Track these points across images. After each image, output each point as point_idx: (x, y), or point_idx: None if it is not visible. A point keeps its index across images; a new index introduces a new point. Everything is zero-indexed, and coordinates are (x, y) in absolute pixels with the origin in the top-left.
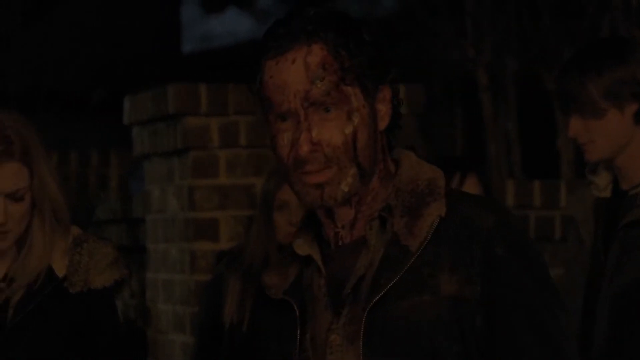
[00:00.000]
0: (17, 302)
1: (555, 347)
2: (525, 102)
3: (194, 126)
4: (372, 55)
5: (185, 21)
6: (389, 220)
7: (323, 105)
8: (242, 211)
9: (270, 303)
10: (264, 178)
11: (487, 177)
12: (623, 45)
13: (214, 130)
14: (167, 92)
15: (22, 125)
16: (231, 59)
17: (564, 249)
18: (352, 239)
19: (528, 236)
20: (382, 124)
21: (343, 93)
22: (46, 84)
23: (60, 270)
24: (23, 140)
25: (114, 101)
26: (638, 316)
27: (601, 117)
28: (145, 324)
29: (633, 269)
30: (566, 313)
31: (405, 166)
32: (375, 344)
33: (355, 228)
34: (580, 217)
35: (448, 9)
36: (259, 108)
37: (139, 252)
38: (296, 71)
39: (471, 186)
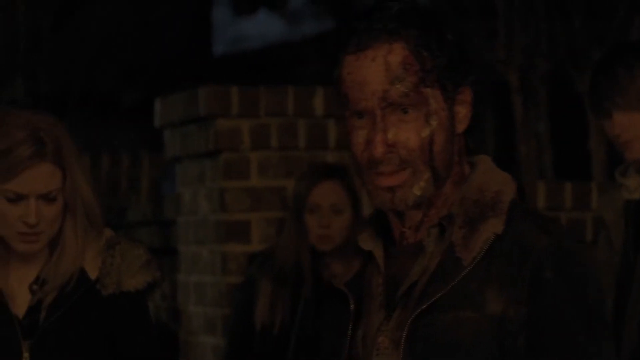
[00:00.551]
0: (50, 304)
1: None
2: (556, 103)
3: (225, 128)
4: (453, 56)
5: (216, 23)
6: (448, 229)
7: (401, 106)
8: (273, 213)
9: (332, 290)
10: (295, 180)
11: (519, 179)
12: None
13: (245, 132)
14: (199, 95)
15: (54, 126)
16: (262, 60)
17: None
18: (416, 240)
19: (586, 262)
20: (461, 127)
21: (422, 95)
22: (77, 86)
23: (92, 273)
24: (55, 142)
25: (145, 103)
26: None
27: None
28: (177, 326)
29: None
30: (613, 348)
31: (478, 172)
32: (416, 353)
33: (420, 230)
34: (611, 219)
35: (478, 10)
36: (337, 99)
37: (170, 255)
38: (376, 70)
39: None
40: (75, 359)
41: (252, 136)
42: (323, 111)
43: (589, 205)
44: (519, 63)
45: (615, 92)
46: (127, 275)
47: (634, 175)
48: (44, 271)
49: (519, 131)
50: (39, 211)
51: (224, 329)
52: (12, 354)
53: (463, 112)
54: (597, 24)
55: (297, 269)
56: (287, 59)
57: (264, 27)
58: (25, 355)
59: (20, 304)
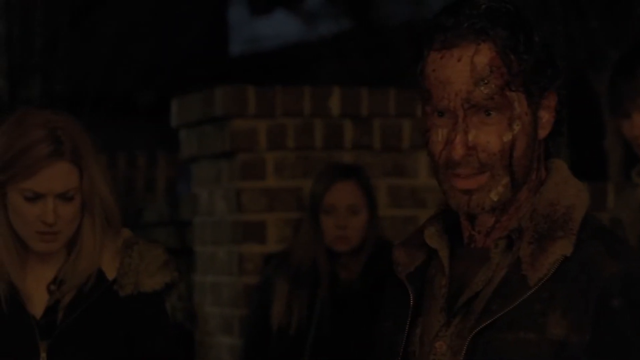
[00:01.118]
0: (67, 304)
1: None
2: (572, 103)
3: (241, 128)
4: (541, 59)
5: (232, 23)
6: (516, 242)
7: (484, 108)
8: (289, 214)
9: (396, 279)
10: (311, 180)
11: None
12: None
13: (262, 132)
14: (215, 95)
15: (72, 125)
16: (278, 60)
17: None
18: (484, 245)
19: None
20: (543, 133)
21: (507, 98)
22: (94, 86)
23: (110, 273)
24: (73, 141)
25: (161, 103)
26: None
27: None
28: (193, 326)
29: None
30: None
31: (550, 183)
32: None
33: (490, 236)
34: (627, 219)
35: None
36: (417, 95)
37: (187, 255)
38: (461, 70)
39: None
40: (93, 359)
41: (268, 136)
42: (339, 111)
43: (605, 205)
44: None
45: (635, 93)
46: (145, 276)
47: None
48: (62, 271)
49: None
50: (57, 210)
51: (240, 329)
52: (29, 355)
53: (546, 118)
54: (614, 24)
55: (314, 270)
56: (304, 58)
57: (280, 27)
58: (43, 355)
59: (38, 304)
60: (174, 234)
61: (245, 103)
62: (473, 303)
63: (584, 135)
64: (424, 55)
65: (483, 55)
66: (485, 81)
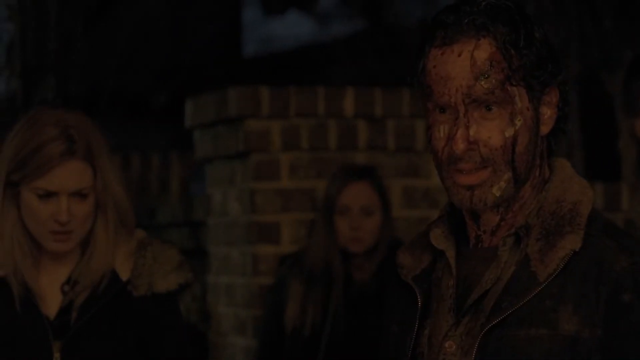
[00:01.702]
0: (81, 304)
1: None
2: (586, 104)
3: (255, 129)
4: (541, 55)
5: (246, 24)
6: (523, 239)
7: (485, 103)
8: (303, 214)
9: (401, 282)
10: (325, 181)
11: None
12: None
13: (276, 133)
14: (229, 95)
15: (85, 123)
16: (292, 61)
17: None
18: (491, 244)
19: None
20: (545, 129)
21: (507, 93)
22: (108, 87)
23: (124, 274)
24: (86, 139)
25: (175, 104)
26: None
27: None
28: (207, 327)
29: None
30: None
31: (555, 181)
32: None
33: (496, 235)
34: None
35: None
36: (417, 93)
37: (200, 256)
38: (461, 65)
39: None
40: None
41: (282, 137)
42: (353, 112)
43: (619, 206)
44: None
45: None
46: (159, 277)
47: None
48: (75, 272)
49: None
50: (70, 209)
51: (254, 330)
52: (43, 355)
53: (548, 114)
54: (628, 26)
55: (328, 271)
56: (317, 59)
57: (294, 27)
58: (56, 355)
59: (51, 304)
60: (188, 235)
61: (259, 104)
62: (482, 302)
63: (597, 136)
64: (425, 52)
65: (483, 50)
66: (486, 75)
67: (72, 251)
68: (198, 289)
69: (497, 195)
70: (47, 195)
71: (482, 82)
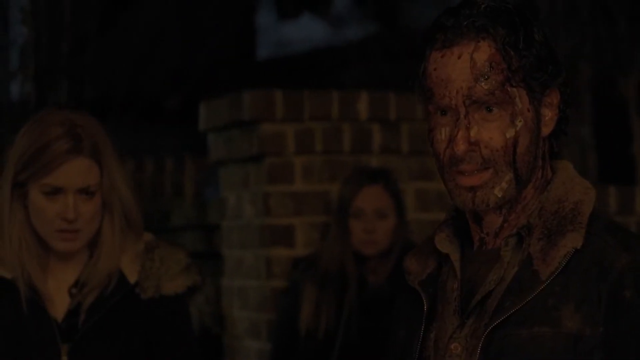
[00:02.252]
0: (89, 307)
1: None
2: (600, 107)
3: (269, 132)
4: (541, 56)
5: (260, 27)
6: (526, 239)
7: (486, 104)
8: (317, 217)
9: (407, 288)
10: (339, 184)
11: None
12: None
13: (290, 136)
14: (243, 99)
15: (92, 123)
16: (306, 64)
17: None
18: (494, 246)
19: None
20: (546, 130)
21: (508, 94)
22: (121, 90)
23: (131, 276)
24: (92, 138)
25: (189, 107)
26: None
27: None
28: (221, 330)
29: None
30: None
31: (557, 181)
32: None
33: (499, 237)
34: None
35: None
36: (419, 97)
37: (214, 259)
38: (461, 67)
39: None
40: None
41: (296, 140)
42: (367, 115)
43: (633, 209)
44: (564, 67)
45: None
46: (166, 279)
47: None
48: (84, 274)
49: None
50: (77, 207)
51: (268, 333)
52: (51, 358)
53: (549, 115)
54: None
55: (342, 274)
56: (331, 62)
57: (307, 31)
58: (64, 358)
59: (59, 307)
60: (202, 238)
61: (273, 107)
62: (486, 302)
63: (611, 140)
64: (425, 56)
65: (483, 52)
66: (486, 77)
67: (80, 253)
68: (212, 292)
69: (499, 196)
70: (54, 192)
71: (482, 84)
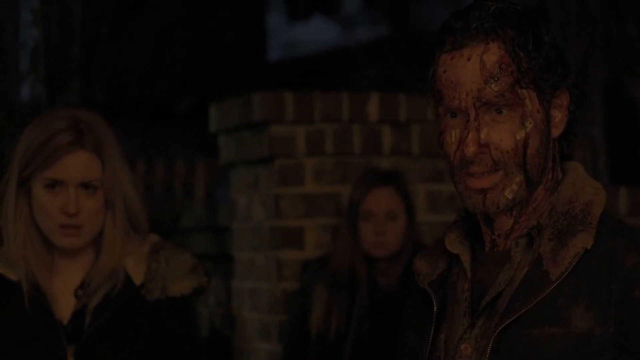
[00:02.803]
0: (94, 309)
1: None
2: (611, 109)
3: (279, 134)
4: (550, 58)
5: (270, 29)
6: (536, 240)
7: (495, 106)
8: (328, 219)
9: (417, 289)
10: (349, 186)
11: None
12: None
13: (300, 138)
14: (253, 100)
15: (97, 121)
16: (316, 66)
17: None
18: (505, 247)
19: None
20: (556, 132)
21: (518, 96)
22: (132, 92)
23: (137, 278)
24: (95, 133)
25: (200, 109)
26: None
27: None
28: (231, 332)
29: None
30: None
31: (567, 182)
32: None
33: (510, 238)
34: None
35: None
36: (429, 99)
37: (225, 260)
38: (471, 69)
39: None
40: None
41: (306, 142)
42: (378, 117)
43: None
44: (573, 69)
45: None
46: (172, 281)
47: None
48: (89, 276)
49: None
50: (79, 202)
51: (278, 335)
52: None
53: (559, 117)
54: None
55: (352, 276)
56: (342, 64)
57: (318, 32)
58: None
59: (65, 309)
60: (212, 240)
61: (283, 108)
62: (496, 303)
63: (622, 141)
64: (435, 58)
65: (492, 54)
66: (495, 78)
67: (85, 253)
68: (222, 293)
69: (510, 198)
70: (55, 185)
71: (492, 85)
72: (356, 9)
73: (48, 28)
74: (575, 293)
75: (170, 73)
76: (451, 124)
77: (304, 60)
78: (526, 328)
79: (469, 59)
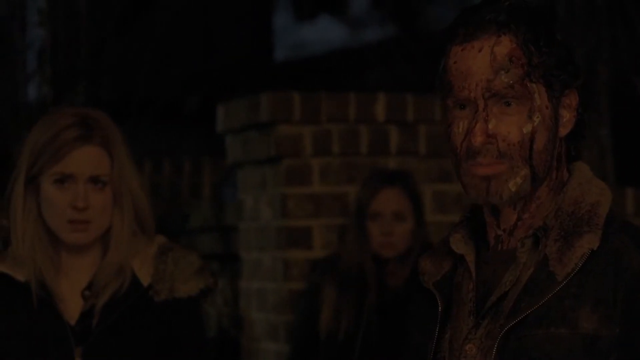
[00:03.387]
0: (102, 309)
1: None
2: (618, 109)
3: (287, 134)
4: (561, 56)
5: (277, 29)
6: (542, 240)
7: (504, 97)
8: (334, 219)
9: (422, 289)
10: (356, 186)
11: None
12: None
13: (307, 138)
14: (260, 100)
15: (103, 117)
16: (323, 66)
17: None
18: (509, 246)
19: None
20: (564, 131)
21: (527, 89)
22: (139, 92)
23: (145, 279)
24: (103, 129)
25: (207, 109)
26: None
27: None
28: (239, 332)
29: None
30: None
31: (573, 182)
32: None
33: (514, 236)
34: None
35: None
36: (439, 93)
37: (232, 261)
38: (482, 60)
39: None
40: None
41: (313, 142)
42: (385, 117)
43: None
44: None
45: None
46: (179, 282)
47: None
48: (96, 276)
49: None
50: (87, 196)
51: (285, 335)
52: None
53: (567, 116)
54: None
55: (361, 276)
56: (349, 64)
57: (325, 32)
58: None
59: (72, 309)
60: (219, 240)
61: (290, 109)
62: (502, 303)
63: (629, 142)
64: (446, 51)
65: (503, 46)
66: (506, 70)
67: (92, 253)
68: (229, 294)
69: (513, 190)
70: (64, 180)
71: (502, 77)
72: (363, 9)
73: (55, 28)
74: (581, 294)
75: (177, 73)
76: (459, 116)
77: (311, 60)
78: (532, 329)
79: (480, 50)
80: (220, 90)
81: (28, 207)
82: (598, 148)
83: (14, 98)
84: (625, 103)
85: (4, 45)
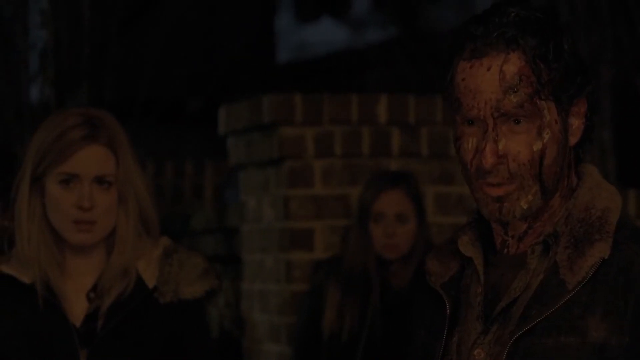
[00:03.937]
0: (107, 311)
1: None
2: (620, 110)
3: (289, 136)
4: (570, 67)
5: (279, 30)
6: (552, 247)
7: (514, 117)
8: (337, 221)
9: (428, 289)
10: (358, 188)
11: None
12: None
13: (309, 140)
14: (263, 102)
15: (109, 118)
16: (326, 68)
17: None
18: (519, 251)
19: None
20: (573, 140)
21: (536, 107)
22: (141, 94)
23: (150, 281)
24: (109, 129)
25: (209, 111)
26: None
27: None
28: (241, 334)
29: None
30: None
31: (584, 187)
32: None
33: (523, 242)
34: None
35: None
36: (446, 104)
37: (234, 262)
38: (490, 79)
39: None
40: None
41: (316, 144)
42: (387, 118)
43: None
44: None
45: None
46: (184, 284)
47: None
48: (101, 277)
49: None
50: (93, 196)
51: (288, 336)
52: None
53: (576, 124)
54: None
55: (364, 277)
56: (351, 66)
57: (327, 34)
58: None
59: (77, 311)
60: (222, 241)
61: (292, 110)
62: (511, 309)
63: (631, 142)
64: (452, 64)
65: (512, 64)
66: (515, 89)
67: (97, 254)
68: (232, 295)
69: (525, 207)
70: (70, 180)
71: (511, 97)
72: (365, 10)
73: (57, 29)
74: (591, 302)
75: (180, 75)
76: (468, 132)
77: (313, 61)
78: (541, 337)
79: (488, 69)
80: (223, 92)
81: (33, 209)
82: (600, 149)
83: (16, 99)
84: (627, 104)
85: (6, 46)
